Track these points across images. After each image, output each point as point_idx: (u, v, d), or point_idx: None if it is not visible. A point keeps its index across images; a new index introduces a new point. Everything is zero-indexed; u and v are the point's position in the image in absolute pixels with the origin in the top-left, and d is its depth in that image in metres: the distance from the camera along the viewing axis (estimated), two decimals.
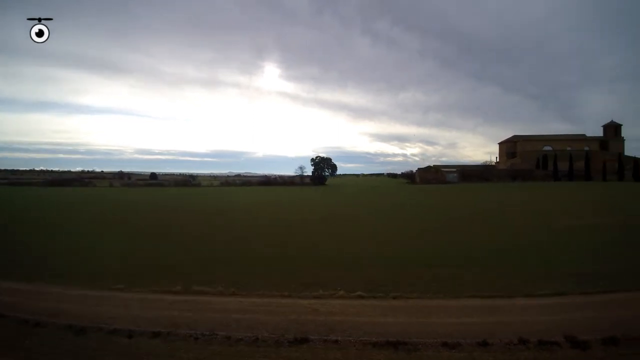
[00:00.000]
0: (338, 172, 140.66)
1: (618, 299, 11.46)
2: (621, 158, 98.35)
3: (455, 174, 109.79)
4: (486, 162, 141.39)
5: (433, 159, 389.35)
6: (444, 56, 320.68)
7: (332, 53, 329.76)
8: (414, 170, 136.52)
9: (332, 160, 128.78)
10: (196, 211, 40.52)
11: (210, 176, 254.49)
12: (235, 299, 10.81)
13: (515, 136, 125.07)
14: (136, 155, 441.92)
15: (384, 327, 9.33)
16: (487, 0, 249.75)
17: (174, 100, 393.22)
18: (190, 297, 10.90)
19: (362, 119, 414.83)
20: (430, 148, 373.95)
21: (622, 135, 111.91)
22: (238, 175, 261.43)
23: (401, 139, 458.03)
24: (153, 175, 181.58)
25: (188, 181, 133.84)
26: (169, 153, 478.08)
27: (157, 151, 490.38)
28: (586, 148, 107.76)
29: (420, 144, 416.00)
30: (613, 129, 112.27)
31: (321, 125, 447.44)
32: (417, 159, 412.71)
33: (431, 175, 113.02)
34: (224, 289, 11.47)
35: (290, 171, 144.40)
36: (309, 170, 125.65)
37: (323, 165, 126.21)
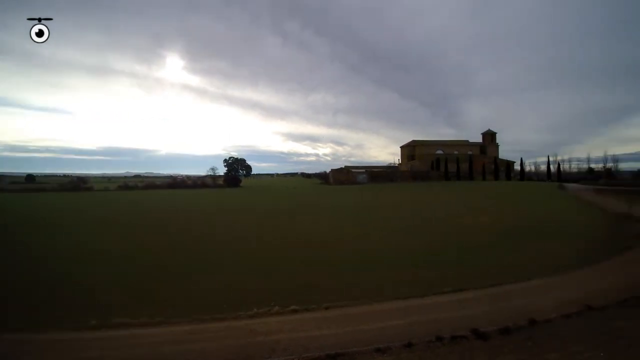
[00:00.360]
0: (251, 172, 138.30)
1: (503, 291, 13.86)
2: (496, 161, 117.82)
3: (365, 175, 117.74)
4: (391, 163, 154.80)
5: (343, 158, 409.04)
6: (351, 62, 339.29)
7: (241, 49, 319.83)
8: (328, 171, 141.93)
9: (246, 161, 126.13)
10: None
11: (103, 177, 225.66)
12: (164, 329, 10.00)
13: (413, 140, 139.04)
14: (6, 153, 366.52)
15: (321, 340, 9.74)
16: (386, 16, 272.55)
17: (55, 89, 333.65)
18: (112, 332, 9.70)
19: (274, 118, 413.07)
20: (340, 148, 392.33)
21: (497, 141, 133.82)
22: (138, 176, 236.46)
23: (313, 138, 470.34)
24: (29, 177, 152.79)
25: (77, 184, 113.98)
26: (48, 150, 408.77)
27: (32, 148, 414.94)
28: (469, 152, 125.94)
29: (331, 144, 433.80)
30: (490, 136, 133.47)
31: (232, 123, 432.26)
32: (328, 158, 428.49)
33: (344, 176, 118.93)
34: (149, 318, 10.52)
35: (199, 171, 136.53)
36: (221, 170, 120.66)
37: (237, 165, 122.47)
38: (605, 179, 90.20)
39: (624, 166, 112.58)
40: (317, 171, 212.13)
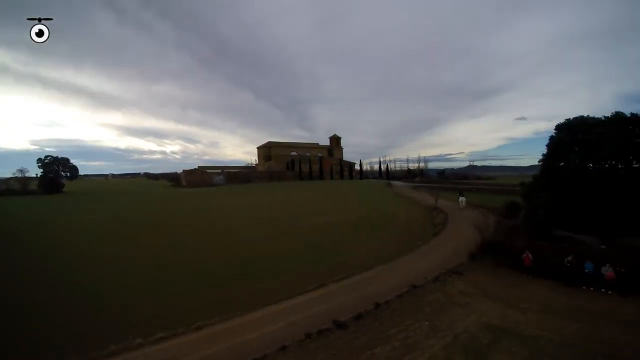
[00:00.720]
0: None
1: (354, 282, 16.13)
2: (341, 162, 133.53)
3: (221, 176, 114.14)
4: (248, 163, 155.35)
5: (196, 157, 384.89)
6: (203, 54, 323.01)
7: (59, 18, 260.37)
8: (180, 172, 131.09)
9: (70, 160, 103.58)
10: None
11: None
12: None
13: (269, 142, 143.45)
14: None
15: None
16: (242, 13, 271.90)
17: None
18: None
19: (107, 109, 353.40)
20: (192, 146, 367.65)
21: (342, 145, 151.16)
22: None
23: (159, 134, 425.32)
24: None
25: None
26: None
27: None
28: (319, 154, 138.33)
29: (181, 142, 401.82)
30: (335, 140, 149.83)
31: (47, 111, 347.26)
32: (178, 157, 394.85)
33: (198, 177, 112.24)
34: None
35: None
36: (34, 171, 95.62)
37: (57, 166, 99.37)
38: (420, 177, 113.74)
39: (431, 165, 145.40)
40: (166, 171, 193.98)
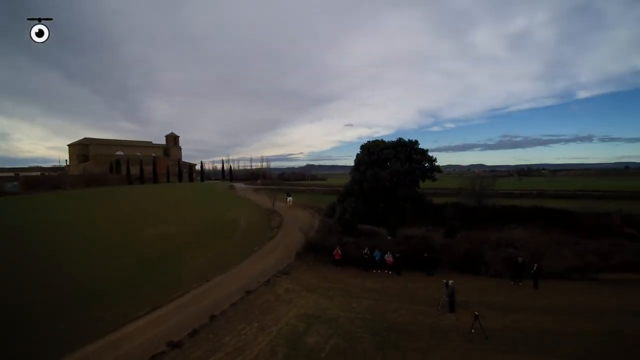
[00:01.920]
0: None
1: (191, 297, 16.57)
2: (180, 163, 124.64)
3: (15, 183, 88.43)
4: (56, 164, 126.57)
5: None
6: None
7: None
8: None
9: None
10: None
11: None
12: None
13: (86, 139, 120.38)
14: None
15: None
16: None
17: None
18: None
19: None
20: None
21: (180, 143, 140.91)
22: None
23: None
24: None
25: None
26: None
27: None
28: (153, 154, 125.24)
29: None
30: (173, 139, 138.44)
31: None
32: None
33: None
34: None
35: None
36: None
37: None
38: (262, 179, 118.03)
39: (274, 164, 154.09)
40: None
